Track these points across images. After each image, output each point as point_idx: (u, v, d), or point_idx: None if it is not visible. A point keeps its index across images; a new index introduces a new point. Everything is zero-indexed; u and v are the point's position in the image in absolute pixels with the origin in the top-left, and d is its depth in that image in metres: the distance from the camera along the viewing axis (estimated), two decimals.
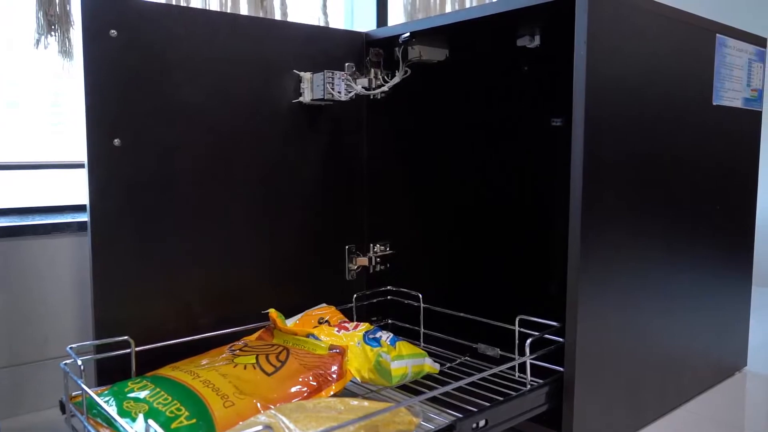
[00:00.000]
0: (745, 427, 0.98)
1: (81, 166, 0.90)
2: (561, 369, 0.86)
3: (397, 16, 1.76)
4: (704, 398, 1.08)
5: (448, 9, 1.84)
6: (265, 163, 1.04)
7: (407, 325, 1.19)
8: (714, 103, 1.05)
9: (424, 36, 1.06)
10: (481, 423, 0.77)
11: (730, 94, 1.09)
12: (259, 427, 0.61)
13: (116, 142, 0.89)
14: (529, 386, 0.87)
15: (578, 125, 0.82)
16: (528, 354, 0.89)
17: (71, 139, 1.29)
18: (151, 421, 0.61)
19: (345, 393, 0.86)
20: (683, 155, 1.00)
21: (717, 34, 1.04)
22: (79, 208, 1.28)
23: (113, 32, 0.88)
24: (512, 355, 0.99)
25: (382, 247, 1.22)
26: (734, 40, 1.08)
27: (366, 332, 1.01)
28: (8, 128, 1.23)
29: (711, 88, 1.04)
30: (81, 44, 0.86)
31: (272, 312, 1.00)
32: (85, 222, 0.88)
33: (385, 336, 1.02)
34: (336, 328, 1.02)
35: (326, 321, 1.04)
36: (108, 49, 0.87)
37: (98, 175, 0.88)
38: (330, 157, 1.13)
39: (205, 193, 0.98)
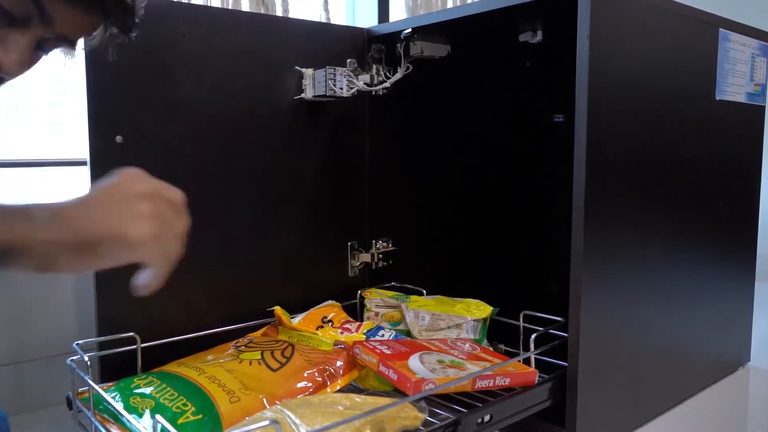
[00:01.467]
0: (748, 422, 0.98)
1: (83, 163, 0.90)
2: (565, 364, 0.86)
3: (398, 12, 1.75)
4: (707, 394, 1.08)
5: (450, 5, 1.84)
6: (267, 160, 1.04)
7: None
8: (717, 98, 1.05)
9: (425, 32, 1.06)
10: (486, 418, 0.77)
11: (732, 88, 1.09)
12: (266, 423, 0.61)
13: (118, 139, 0.89)
14: None
15: (581, 121, 0.81)
16: (532, 349, 0.89)
17: (70, 137, 1.29)
18: (158, 417, 0.61)
19: (350, 389, 0.86)
20: (686, 150, 1.00)
21: (720, 29, 1.04)
22: None
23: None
24: (517, 351, 0.99)
25: (384, 244, 1.22)
26: (737, 35, 1.08)
27: (368, 331, 1.01)
28: (7, 127, 1.23)
29: (714, 83, 1.04)
30: (82, 41, 0.86)
31: (278, 309, 1.00)
32: None
33: (388, 334, 1.02)
34: (339, 330, 1.02)
35: (330, 321, 1.04)
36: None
37: (100, 172, 0.87)
38: (332, 153, 1.13)
39: (207, 189, 0.98)
